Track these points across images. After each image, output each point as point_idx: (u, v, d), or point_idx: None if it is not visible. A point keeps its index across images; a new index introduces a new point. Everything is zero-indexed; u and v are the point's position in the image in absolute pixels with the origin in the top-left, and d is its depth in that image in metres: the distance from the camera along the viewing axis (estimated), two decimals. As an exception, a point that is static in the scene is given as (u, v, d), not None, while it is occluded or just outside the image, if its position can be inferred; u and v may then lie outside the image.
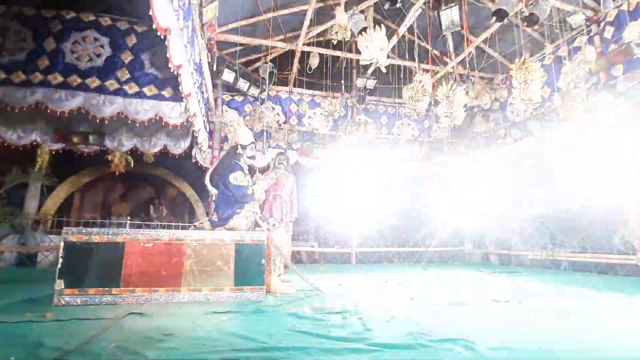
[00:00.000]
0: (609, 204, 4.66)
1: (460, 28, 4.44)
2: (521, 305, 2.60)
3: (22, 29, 4.64)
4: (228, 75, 5.62)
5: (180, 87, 3.24)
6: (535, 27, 4.22)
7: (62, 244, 2.49)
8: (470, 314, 2.32)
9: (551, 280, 4.07)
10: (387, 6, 3.99)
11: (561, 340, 1.73)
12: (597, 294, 3.17)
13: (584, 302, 2.78)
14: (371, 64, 3.86)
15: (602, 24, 4.67)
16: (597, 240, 4.96)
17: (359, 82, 6.19)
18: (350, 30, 4.18)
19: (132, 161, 6.52)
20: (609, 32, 4.58)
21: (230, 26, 5.25)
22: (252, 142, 3.44)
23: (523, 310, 2.43)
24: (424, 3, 4.54)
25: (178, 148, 5.94)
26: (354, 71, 6.79)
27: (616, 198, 4.55)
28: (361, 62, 4.00)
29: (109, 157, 6.31)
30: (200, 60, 4.11)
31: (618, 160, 4.50)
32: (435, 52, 6.21)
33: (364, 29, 3.99)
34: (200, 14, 3.70)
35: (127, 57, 4.83)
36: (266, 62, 5.80)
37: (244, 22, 5.19)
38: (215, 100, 6.04)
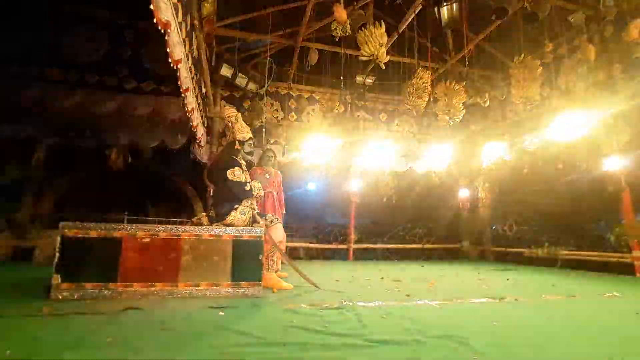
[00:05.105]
0: (605, 202, 4.69)
1: (460, 25, 4.42)
2: (516, 303, 2.61)
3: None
4: (226, 71, 5.58)
5: (179, 82, 3.21)
6: (535, 25, 4.21)
7: (59, 238, 2.48)
8: (465, 311, 2.33)
9: (547, 278, 4.09)
10: (387, 1, 3.96)
11: (555, 338, 1.74)
12: (592, 292, 3.19)
13: (578, 300, 2.80)
14: (371, 60, 3.83)
15: (602, 23, 4.66)
16: (593, 239, 4.99)
17: (358, 78, 6.16)
18: (350, 26, 4.15)
19: (129, 157, 6.49)
20: (608, 31, 4.58)
21: (229, 21, 5.21)
22: (250, 138, 3.43)
23: (518, 308, 2.45)
24: (424, -1, 4.52)
25: (176, 143, 5.91)
26: (354, 67, 6.75)
27: (612, 197, 4.58)
28: (361, 59, 3.97)
29: (107, 153, 6.29)
30: (198, 55, 4.07)
31: (615, 160, 4.52)
32: (435, 49, 6.18)
33: (364, 25, 3.96)
34: (199, 8, 3.67)
35: (125, 53, 4.78)
36: (265, 58, 5.76)
37: (242, 17, 5.15)
38: (214, 95, 6.00)
